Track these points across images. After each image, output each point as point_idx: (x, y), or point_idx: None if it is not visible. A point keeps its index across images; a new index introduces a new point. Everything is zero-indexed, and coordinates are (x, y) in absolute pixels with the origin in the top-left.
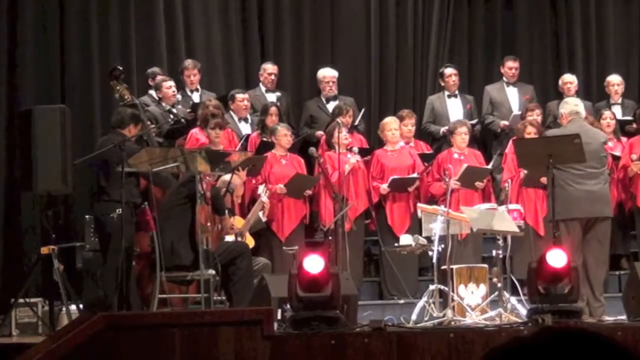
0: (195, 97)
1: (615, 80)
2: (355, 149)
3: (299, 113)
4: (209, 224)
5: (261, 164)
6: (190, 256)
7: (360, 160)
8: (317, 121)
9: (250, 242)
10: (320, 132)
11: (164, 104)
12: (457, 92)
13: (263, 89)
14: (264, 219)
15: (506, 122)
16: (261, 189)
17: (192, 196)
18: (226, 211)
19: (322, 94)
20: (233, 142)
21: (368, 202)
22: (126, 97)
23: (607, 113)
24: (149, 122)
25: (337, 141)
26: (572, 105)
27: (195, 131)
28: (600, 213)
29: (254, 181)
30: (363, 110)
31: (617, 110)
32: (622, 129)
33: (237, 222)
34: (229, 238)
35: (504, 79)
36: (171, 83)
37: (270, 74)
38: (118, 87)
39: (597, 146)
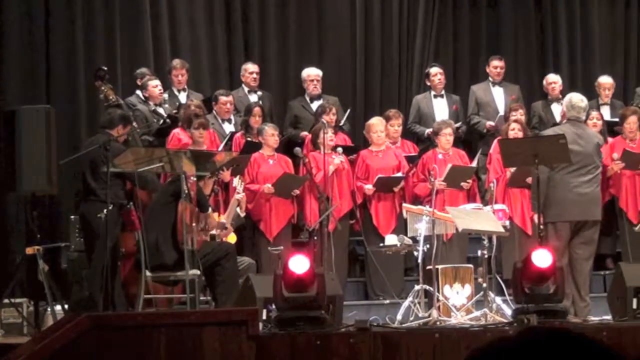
0: (182, 97)
1: (606, 84)
2: (340, 149)
3: (285, 113)
4: (194, 224)
5: (245, 163)
6: (173, 255)
7: (345, 161)
8: (302, 121)
9: (232, 238)
10: (305, 133)
11: (150, 104)
12: (443, 92)
13: (246, 89)
14: (242, 214)
15: (492, 123)
16: (236, 181)
17: (178, 194)
18: (210, 208)
19: (306, 93)
20: (215, 142)
21: (352, 203)
22: (111, 97)
23: (594, 113)
24: (134, 124)
25: (323, 141)
26: (575, 108)
27: (177, 131)
28: (590, 216)
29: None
30: (349, 110)
31: (606, 111)
32: (612, 130)
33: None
34: (213, 232)
35: (490, 78)
36: (157, 82)
37: (251, 73)
38: (103, 88)
39: (592, 149)
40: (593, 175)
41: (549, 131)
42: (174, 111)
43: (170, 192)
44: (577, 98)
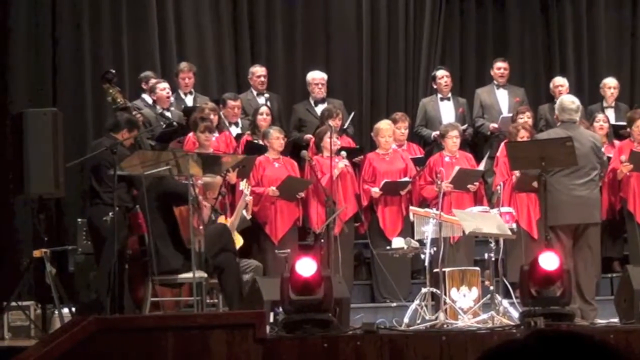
0: (189, 100)
1: (611, 84)
2: (343, 152)
3: (290, 116)
4: (201, 227)
5: (251, 164)
6: (178, 259)
7: (349, 165)
8: (306, 124)
9: (239, 241)
10: (309, 136)
11: (157, 107)
12: (449, 94)
13: (254, 92)
14: (248, 217)
15: (495, 125)
16: (243, 184)
17: (161, 198)
18: (201, 202)
19: (311, 96)
20: (231, 144)
21: (357, 206)
22: (118, 100)
23: (600, 116)
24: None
25: (327, 145)
26: (567, 110)
27: (192, 135)
28: (589, 219)
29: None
30: (353, 113)
31: (611, 114)
32: (617, 133)
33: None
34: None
35: (494, 81)
36: (165, 85)
37: (259, 77)
38: (110, 90)
39: (587, 150)
40: (590, 177)
41: (543, 135)
42: (183, 114)
43: (153, 197)
44: (567, 100)
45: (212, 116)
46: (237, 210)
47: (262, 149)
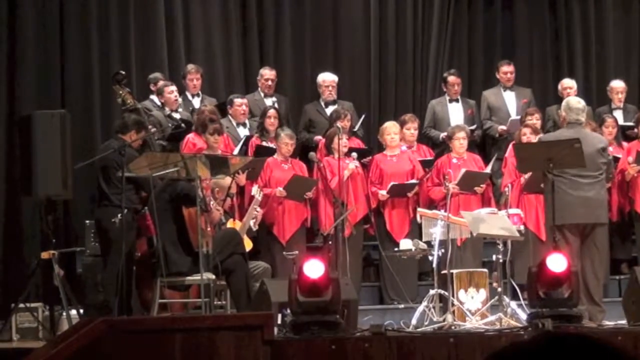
0: (196, 102)
1: (619, 88)
2: (354, 154)
3: (300, 117)
4: (209, 228)
5: (260, 166)
6: (186, 262)
7: (359, 166)
8: (316, 125)
9: (248, 244)
10: (318, 137)
11: (166, 109)
12: (458, 96)
13: (262, 93)
14: (254, 228)
15: (504, 127)
16: (255, 190)
17: (174, 199)
18: (209, 204)
19: (321, 98)
20: (229, 146)
21: (367, 208)
22: (128, 101)
23: (609, 121)
24: (153, 128)
25: (337, 147)
26: (574, 110)
27: (191, 136)
28: (596, 219)
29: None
30: (363, 116)
31: (619, 115)
32: (624, 133)
33: (230, 225)
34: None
35: (501, 83)
36: (173, 88)
37: (267, 80)
38: (120, 92)
39: (593, 152)
40: (596, 178)
41: (550, 136)
42: (192, 115)
43: (166, 199)
44: (574, 100)
45: None
46: (247, 215)
47: (271, 151)
